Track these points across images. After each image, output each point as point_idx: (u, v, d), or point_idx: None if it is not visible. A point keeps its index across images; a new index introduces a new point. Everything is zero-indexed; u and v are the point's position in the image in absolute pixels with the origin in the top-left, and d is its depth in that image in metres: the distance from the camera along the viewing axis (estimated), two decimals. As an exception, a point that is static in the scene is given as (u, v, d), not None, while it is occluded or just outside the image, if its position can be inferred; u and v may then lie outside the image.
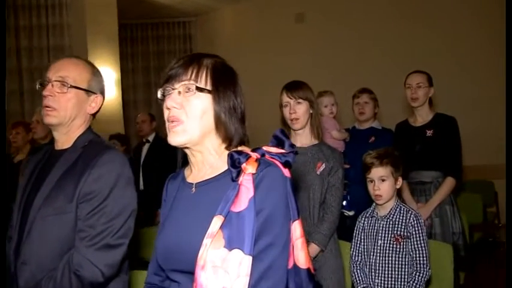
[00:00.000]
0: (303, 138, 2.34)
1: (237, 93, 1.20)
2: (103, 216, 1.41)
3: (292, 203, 1.13)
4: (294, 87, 2.30)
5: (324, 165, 2.26)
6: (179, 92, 1.16)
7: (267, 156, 1.14)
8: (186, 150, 1.20)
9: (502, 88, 5.23)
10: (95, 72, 1.60)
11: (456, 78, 5.50)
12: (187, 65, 1.18)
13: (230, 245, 1.04)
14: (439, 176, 2.84)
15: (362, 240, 2.17)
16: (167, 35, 7.90)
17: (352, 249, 2.22)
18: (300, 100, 2.27)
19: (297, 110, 2.27)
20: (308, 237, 2.19)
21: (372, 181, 2.13)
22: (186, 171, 1.27)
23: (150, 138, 4.69)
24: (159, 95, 1.20)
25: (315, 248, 2.19)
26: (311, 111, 2.31)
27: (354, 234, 2.24)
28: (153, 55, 7.83)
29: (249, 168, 1.08)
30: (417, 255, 1.98)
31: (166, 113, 1.18)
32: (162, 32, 7.90)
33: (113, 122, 5.80)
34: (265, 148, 1.15)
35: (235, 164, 1.09)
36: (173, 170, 1.43)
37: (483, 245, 4.34)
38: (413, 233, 2.01)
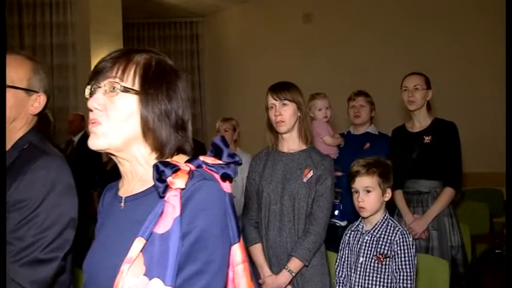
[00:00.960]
0: (290, 143, 2.16)
1: (172, 96, 1.01)
2: (33, 226, 1.24)
3: (232, 223, 0.95)
4: (280, 88, 2.12)
5: (311, 172, 2.07)
6: (105, 91, 0.98)
7: (204, 167, 0.96)
8: (113, 158, 1.03)
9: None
10: (36, 69, 1.43)
11: (464, 83, 5.26)
12: (116, 60, 1.00)
13: (150, 273, 0.87)
14: (437, 186, 2.62)
15: (347, 255, 1.97)
16: (174, 35, 7.78)
17: (336, 264, 2.02)
18: (286, 102, 2.08)
19: (283, 112, 2.09)
20: (290, 251, 2.01)
21: (356, 192, 1.93)
22: (121, 182, 1.10)
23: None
24: (86, 93, 1.02)
25: (297, 263, 2.00)
26: (299, 114, 2.12)
27: (340, 247, 2.04)
28: (159, 55, 7.69)
29: (177, 183, 0.90)
30: (400, 278, 1.75)
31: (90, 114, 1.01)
32: (168, 32, 7.79)
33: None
34: (202, 158, 0.97)
35: (161, 178, 0.91)
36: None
37: (489, 257, 4.08)
38: (398, 252, 1.79)
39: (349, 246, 1.98)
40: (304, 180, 2.06)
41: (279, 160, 2.14)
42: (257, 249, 2.09)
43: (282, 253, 2.03)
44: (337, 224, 2.78)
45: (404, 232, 1.83)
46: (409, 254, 1.78)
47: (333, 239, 2.52)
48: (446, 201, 2.57)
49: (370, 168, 1.90)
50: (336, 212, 2.77)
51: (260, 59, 6.96)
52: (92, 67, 1.04)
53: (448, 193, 2.57)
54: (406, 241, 1.80)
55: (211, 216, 0.91)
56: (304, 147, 2.15)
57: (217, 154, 0.98)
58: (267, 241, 2.06)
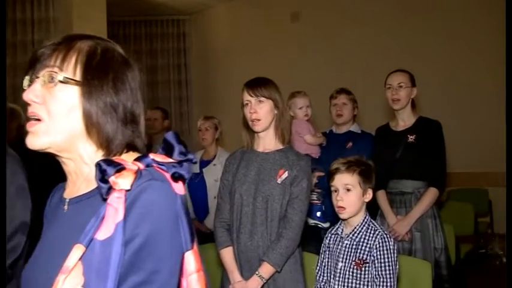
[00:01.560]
0: (266, 142, 2.06)
1: (120, 88, 0.90)
2: None
3: (185, 228, 0.84)
4: (256, 84, 2.01)
5: (286, 173, 1.97)
6: (43, 82, 0.87)
7: (155, 166, 0.85)
8: (57, 158, 0.92)
9: (499, 94, 4.99)
10: None
11: (450, 84, 5.21)
12: (56, 47, 0.89)
13: (89, 284, 0.76)
14: (421, 186, 2.53)
15: (327, 260, 1.87)
16: (160, 33, 7.64)
17: (317, 269, 1.91)
18: (262, 99, 1.98)
19: (259, 110, 1.98)
20: (262, 256, 1.90)
21: (335, 190, 1.83)
22: (67, 183, 0.99)
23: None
24: (24, 83, 0.91)
25: (268, 269, 1.88)
26: (275, 112, 2.02)
27: (321, 251, 1.94)
28: (145, 54, 7.55)
29: (120, 183, 0.79)
30: (380, 284, 1.65)
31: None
32: (155, 30, 7.64)
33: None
34: (152, 156, 0.87)
35: (104, 177, 0.81)
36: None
37: (474, 258, 4.02)
38: (378, 257, 1.69)
39: (329, 250, 1.88)
40: (279, 181, 1.95)
41: (253, 160, 2.04)
42: (228, 253, 1.98)
43: (253, 258, 1.92)
44: (320, 226, 2.68)
45: (385, 236, 1.73)
46: (390, 259, 1.68)
47: (315, 241, 2.43)
48: (429, 202, 2.49)
49: (350, 166, 1.80)
50: (318, 214, 2.68)
51: (247, 58, 6.87)
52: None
53: (431, 194, 2.49)
54: (386, 245, 1.70)
55: (158, 221, 0.80)
56: (280, 146, 2.05)
57: (169, 151, 0.88)
58: (238, 245, 1.95)
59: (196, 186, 3.47)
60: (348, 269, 1.73)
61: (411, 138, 2.56)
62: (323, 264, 1.89)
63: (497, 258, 4.47)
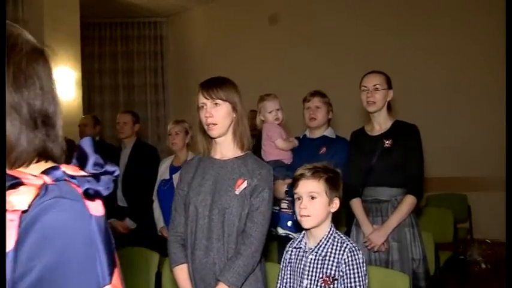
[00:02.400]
0: (223, 149, 1.85)
1: (23, 84, 0.71)
2: None
3: (102, 256, 0.66)
4: (211, 85, 1.80)
5: (245, 182, 1.76)
6: None
7: (67, 180, 0.67)
8: None
9: (481, 99, 4.91)
10: None
11: (431, 88, 5.11)
12: None
13: None
14: (398, 194, 2.37)
15: (289, 277, 1.68)
16: (137, 35, 7.44)
17: (277, 287, 1.73)
18: (219, 101, 1.77)
19: (214, 113, 1.77)
20: (218, 275, 1.70)
21: (299, 198, 1.65)
22: None
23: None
24: None
25: None
26: (234, 115, 1.82)
27: (280, 266, 1.76)
28: (121, 56, 7.34)
29: (14, 202, 0.61)
30: (351, 303, 1.48)
31: None
32: (131, 32, 7.44)
33: (70, 124, 5.31)
34: (64, 168, 0.68)
35: None
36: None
37: (454, 265, 3.88)
38: (347, 272, 1.51)
39: (291, 266, 1.70)
40: (237, 191, 1.75)
41: (210, 168, 1.84)
42: (182, 271, 1.77)
43: (209, 277, 1.72)
44: (291, 236, 2.50)
45: (354, 249, 1.56)
46: (360, 274, 1.51)
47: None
48: (407, 210, 2.33)
49: (316, 172, 1.62)
50: (289, 223, 2.50)
51: (225, 61, 6.72)
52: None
53: (408, 201, 2.33)
54: (355, 260, 1.52)
55: (63, 249, 0.62)
56: (240, 153, 1.85)
57: (83, 162, 0.70)
58: (193, 262, 1.74)
59: (166, 193, 3.27)
60: (314, 287, 1.55)
61: (387, 143, 2.40)
62: (285, 281, 1.70)
63: (476, 264, 4.37)
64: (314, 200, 1.60)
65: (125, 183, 3.64)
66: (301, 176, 1.63)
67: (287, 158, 2.67)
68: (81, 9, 6.59)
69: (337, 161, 2.54)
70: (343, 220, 2.89)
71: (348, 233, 2.52)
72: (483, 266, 4.34)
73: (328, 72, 5.56)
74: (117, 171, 0.74)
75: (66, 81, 5.77)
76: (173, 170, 3.36)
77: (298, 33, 6.15)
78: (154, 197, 3.40)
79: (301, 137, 2.83)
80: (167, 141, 3.56)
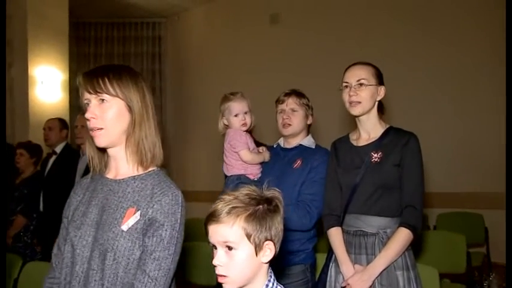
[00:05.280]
0: (119, 165, 1.30)
1: None
2: None
3: None
4: (97, 74, 1.24)
5: (138, 214, 1.20)
6: None
7: None
8: None
9: (498, 100, 4.23)
10: None
11: (441, 89, 4.47)
12: None
13: None
14: (388, 225, 1.74)
15: None
16: (134, 36, 6.94)
17: None
18: (106, 97, 1.23)
19: (100, 114, 1.24)
20: None
21: (214, 246, 1.06)
22: None
23: (58, 149, 3.64)
24: None
25: None
26: (129, 118, 1.26)
27: None
28: (117, 57, 6.84)
29: None
30: None
31: None
32: (128, 32, 6.95)
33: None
34: None
35: None
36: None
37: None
38: None
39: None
40: (124, 227, 1.18)
41: (99, 191, 1.28)
42: None
43: None
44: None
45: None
46: None
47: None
48: (399, 248, 1.69)
49: (234, 209, 1.03)
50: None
51: (225, 63, 6.26)
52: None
53: (402, 236, 1.69)
54: None
55: None
56: (139, 171, 1.28)
57: None
58: None
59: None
60: None
61: (375, 156, 1.78)
62: None
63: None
64: (230, 251, 1.01)
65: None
66: (211, 218, 1.04)
67: (254, 172, 2.08)
68: (77, 9, 6.16)
69: (314, 178, 1.94)
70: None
71: (325, 269, 1.91)
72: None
73: (332, 72, 4.95)
74: None
75: (51, 82, 5.30)
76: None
77: (300, 33, 5.62)
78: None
79: (274, 146, 2.23)
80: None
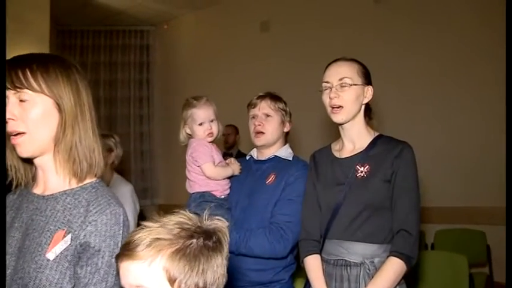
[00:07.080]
0: (48, 178, 1.04)
1: None
2: None
3: None
4: (18, 65, 0.97)
5: (68, 238, 0.95)
6: None
7: None
8: None
9: (501, 107, 3.93)
10: None
11: (440, 95, 4.20)
12: None
13: None
14: (376, 254, 1.42)
15: None
16: (121, 44, 6.67)
17: None
18: (29, 93, 0.96)
19: (20, 115, 0.97)
20: None
21: None
22: None
23: None
24: None
25: None
26: (59, 122, 1.00)
27: None
28: (104, 66, 6.56)
29: None
30: None
31: None
32: (116, 41, 6.67)
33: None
34: None
35: None
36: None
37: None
38: None
39: None
40: (50, 255, 0.91)
41: (24, 210, 1.02)
42: None
43: None
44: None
45: None
46: None
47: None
48: (390, 281, 1.37)
49: (156, 241, 0.74)
50: None
51: (215, 70, 5.96)
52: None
53: (393, 267, 1.37)
54: None
55: None
56: (74, 185, 0.99)
57: None
58: None
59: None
60: None
61: (362, 170, 1.47)
62: None
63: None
64: None
65: None
66: (123, 252, 0.74)
67: (220, 189, 1.76)
68: (62, 16, 5.91)
69: (289, 196, 1.63)
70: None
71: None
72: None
73: (320, 82, 4.69)
74: None
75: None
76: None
77: (290, 40, 5.39)
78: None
79: (247, 157, 1.91)
80: None
